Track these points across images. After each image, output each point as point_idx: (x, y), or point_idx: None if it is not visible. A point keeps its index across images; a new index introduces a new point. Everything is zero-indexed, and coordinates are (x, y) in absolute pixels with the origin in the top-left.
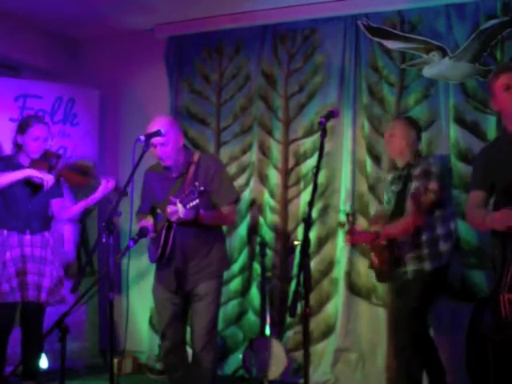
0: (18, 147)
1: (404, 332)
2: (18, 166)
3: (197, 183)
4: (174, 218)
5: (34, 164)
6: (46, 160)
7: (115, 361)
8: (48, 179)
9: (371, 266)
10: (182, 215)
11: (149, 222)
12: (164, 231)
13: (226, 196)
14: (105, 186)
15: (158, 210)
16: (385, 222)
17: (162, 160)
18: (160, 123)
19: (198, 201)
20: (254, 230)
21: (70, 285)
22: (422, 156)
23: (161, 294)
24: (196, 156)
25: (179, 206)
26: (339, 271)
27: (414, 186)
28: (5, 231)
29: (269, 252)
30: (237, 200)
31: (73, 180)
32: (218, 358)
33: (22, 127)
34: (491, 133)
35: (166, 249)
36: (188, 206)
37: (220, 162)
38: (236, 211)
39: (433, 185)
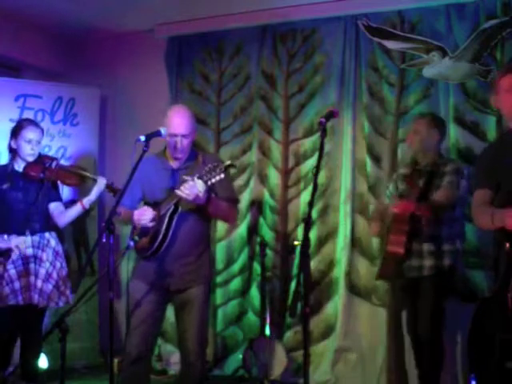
0: (12, 153)
1: (427, 331)
2: (12, 174)
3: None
4: (191, 197)
5: (28, 167)
6: (40, 163)
7: (115, 361)
8: None
9: (386, 252)
10: (201, 193)
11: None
12: (166, 219)
13: (230, 194)
14: (98, 186)
15: (142, 203)
16: (387, 218)
17: (178, 151)
18: (185, 115)
19: (223, 176)
20: (254, 229)
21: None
22: (443, 156)
23: (142, 293)
24: (200, 155)
25: (199, 183)
26: (339, 271)
27: (447, 179)
28: (5, 235)
29: (269, 252)
30: (237, 201)
31: (69, 181)
32: (207, 369)
33: (15, 131)
34: (491, 133)
35: (165, 240)
36: (209, 183)
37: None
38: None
39: (463, 183)
